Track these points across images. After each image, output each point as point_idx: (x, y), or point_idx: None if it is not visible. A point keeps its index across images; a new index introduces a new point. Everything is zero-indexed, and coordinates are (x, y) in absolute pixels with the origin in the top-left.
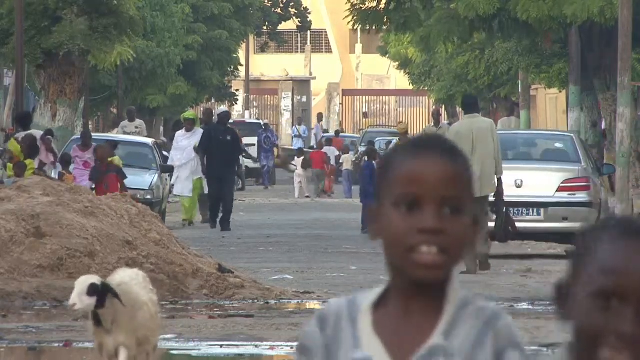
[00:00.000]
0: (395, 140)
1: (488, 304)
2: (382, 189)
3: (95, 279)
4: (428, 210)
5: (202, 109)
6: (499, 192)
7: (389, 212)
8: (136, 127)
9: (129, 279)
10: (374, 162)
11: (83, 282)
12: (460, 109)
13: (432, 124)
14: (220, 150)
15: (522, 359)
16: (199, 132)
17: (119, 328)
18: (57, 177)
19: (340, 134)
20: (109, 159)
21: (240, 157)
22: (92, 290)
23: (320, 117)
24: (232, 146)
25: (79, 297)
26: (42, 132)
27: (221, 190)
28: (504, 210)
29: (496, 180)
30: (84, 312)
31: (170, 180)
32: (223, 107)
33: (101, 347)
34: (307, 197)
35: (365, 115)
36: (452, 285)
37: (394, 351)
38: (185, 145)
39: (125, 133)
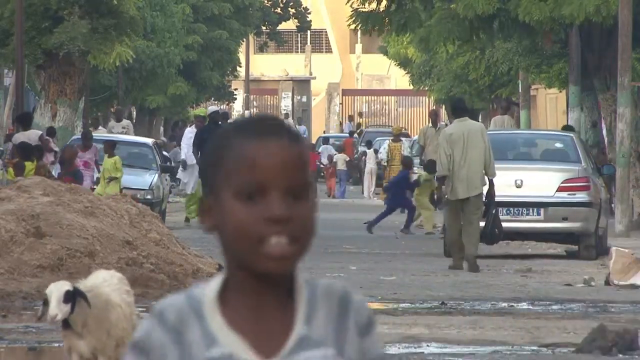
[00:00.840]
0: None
1: (332, 282)
2: (217, 178)
3: (67, 285)
4: (275, 198)
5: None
6: (490, 193)
7: (228, 203)
8: (123, 128)
9: (102, 281)
10: (408, 171)
11: (57, 290)
12: (451, 113)
13: (430, 125)
14: None
15: (376, 335)
16: None
17: (91, 331)
18: (56, 177)
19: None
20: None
21: None
22: (67, 297)
23: (351, 118)
24: None
25: (58, 307)
26: (40, 132)
27: None
28: (494, 212)
29: (487, 182)
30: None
31: (176, 175)
32: (213, 107)
33: (70, 350)
34: None
35: (360, 115)
36: (298, 271)
37: (256, 346)
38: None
39: (112, 133)
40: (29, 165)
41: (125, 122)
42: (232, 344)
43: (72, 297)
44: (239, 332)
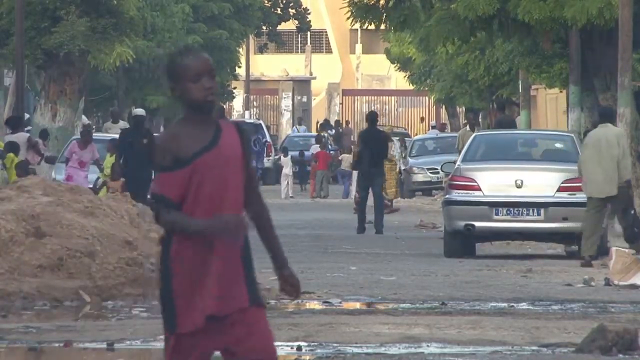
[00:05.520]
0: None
1: None
2: None
3: None
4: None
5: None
6: (628, 195)
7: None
8: (120, 129)
9: None
10: None
11: None
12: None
13: (468, 128)
14: (135, 155)
15: None
16: None
17: None
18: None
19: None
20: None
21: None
22: None
23: (338, 123)
24: (148, 149)
25: None
26: (27, 135)
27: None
28: (632, 212)
29: (623, 183)
30: None
31: None
32: (140, 109)
33: None
34: (292, 197)
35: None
36: None
37: None
38: None
39: (108, 134)
40: (11, 157)
41: (122, 123)
42: None
43: None
44: None
